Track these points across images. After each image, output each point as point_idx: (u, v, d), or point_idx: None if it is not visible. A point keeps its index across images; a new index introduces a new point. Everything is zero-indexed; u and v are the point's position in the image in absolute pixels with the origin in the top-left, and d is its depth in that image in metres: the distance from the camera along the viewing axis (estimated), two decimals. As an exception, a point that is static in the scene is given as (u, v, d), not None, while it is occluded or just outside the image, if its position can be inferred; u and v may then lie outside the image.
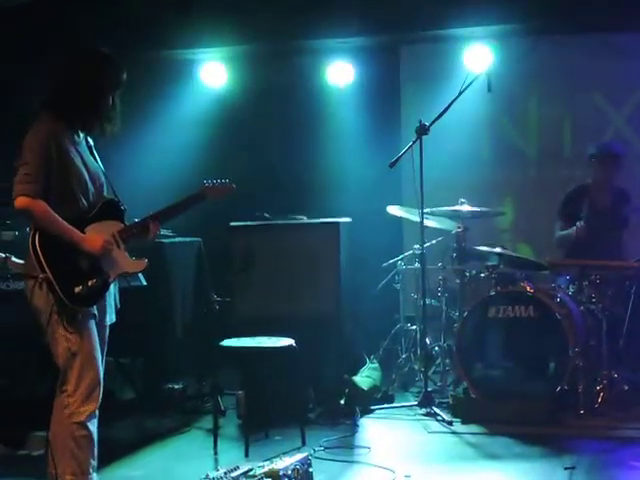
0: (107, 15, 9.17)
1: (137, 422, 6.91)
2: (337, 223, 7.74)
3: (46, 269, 4.79)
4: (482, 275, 7.92)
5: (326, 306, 7.58)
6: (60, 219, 4.84)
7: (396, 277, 8.62)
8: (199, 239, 8.02)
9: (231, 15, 9.14)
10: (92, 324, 4.97)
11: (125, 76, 5.13)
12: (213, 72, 10.07)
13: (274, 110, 9.98)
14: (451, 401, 7.41)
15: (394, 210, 8.45)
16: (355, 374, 7.71)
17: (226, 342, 6.65)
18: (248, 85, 10.10)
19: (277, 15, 9.06)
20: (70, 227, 4.88)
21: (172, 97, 9.95)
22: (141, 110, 8.84)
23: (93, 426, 5.00)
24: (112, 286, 5.14)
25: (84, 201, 5.00)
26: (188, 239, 7.92)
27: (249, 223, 7.84)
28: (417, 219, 7.68)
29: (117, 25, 9.08)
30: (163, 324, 7.41)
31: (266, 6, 9.08)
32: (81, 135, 5.11)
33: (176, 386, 7.73)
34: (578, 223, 8.03)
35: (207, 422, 7.13)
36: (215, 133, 10.02)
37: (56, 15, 9.20)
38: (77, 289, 4.85)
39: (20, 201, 4.79)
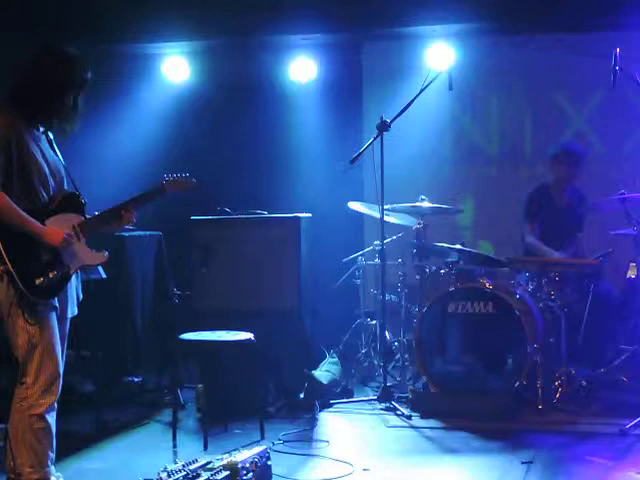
0: (67, 8, 9.10)
1: (96, 415, 6.87)
2: (298, 218, 7.75)
3: (6, 261, 4.78)
4: (442, 271, 7.92)
5: (286, 300, 7.59)
6: (21, 211, 4.84)
7: (356, 272, 8.67)
8: (159, 233, 7.98)
9: (193, 9, 9.09)
10: (53, 316, 4.97)
11: (90, 76, 5.12)
12: (175, 66, 10.03)
13: (236, 105, 9.96)
14: (410, 396, 7.41)
15: (355, 206, 8.49)
16: (315, 368, 7.72)
17: (186, 335, 6.63)
18: (210, 80, 10.08)
19: (240, 10, 9.02)
20: (31, 219, 4.87)
21: (134, 91, 9.92)
22: (103, 104, 8.80)
23: (52, 418, 5.03)
24: (74, 279, 5.14)
25: (44, 194, 5.00)
26: (148, 233, 7.87)
27: (210, 217, 7.84)
28: (378, 215, 7.70)
29: (78, 19, 9.01)
30: (123, 317, 7.39)
31: (229, 0, 9.07)
32: (41, 129, 5.10)
33: (135, 379, 7.71)
34: (557, 254, 8.10)
35: (166, 415, 7.10)
36: (177, 127, 9.98)
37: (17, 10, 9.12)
38: (38, 281, 4.85)
39: (-20, 193, 4.78)
